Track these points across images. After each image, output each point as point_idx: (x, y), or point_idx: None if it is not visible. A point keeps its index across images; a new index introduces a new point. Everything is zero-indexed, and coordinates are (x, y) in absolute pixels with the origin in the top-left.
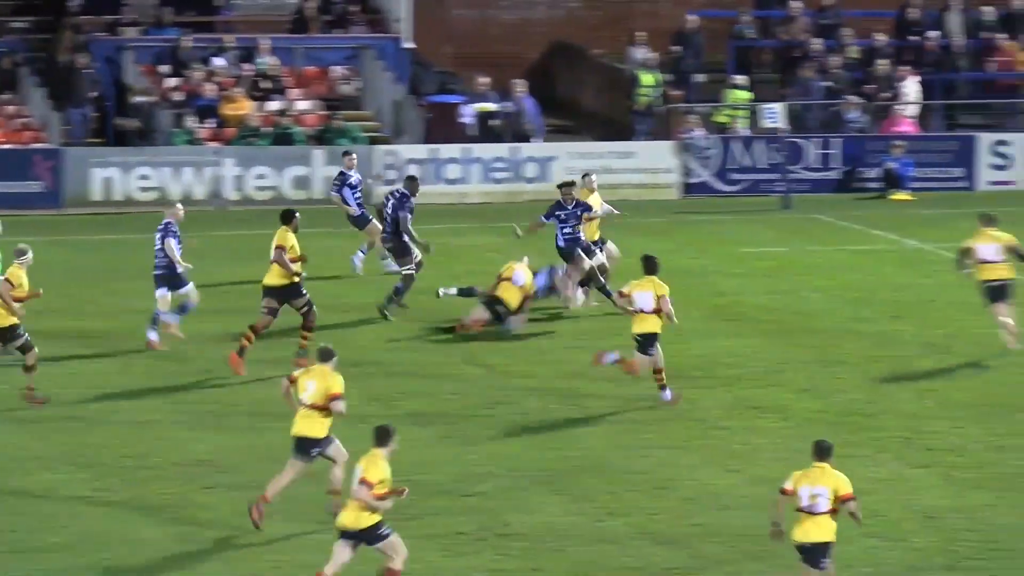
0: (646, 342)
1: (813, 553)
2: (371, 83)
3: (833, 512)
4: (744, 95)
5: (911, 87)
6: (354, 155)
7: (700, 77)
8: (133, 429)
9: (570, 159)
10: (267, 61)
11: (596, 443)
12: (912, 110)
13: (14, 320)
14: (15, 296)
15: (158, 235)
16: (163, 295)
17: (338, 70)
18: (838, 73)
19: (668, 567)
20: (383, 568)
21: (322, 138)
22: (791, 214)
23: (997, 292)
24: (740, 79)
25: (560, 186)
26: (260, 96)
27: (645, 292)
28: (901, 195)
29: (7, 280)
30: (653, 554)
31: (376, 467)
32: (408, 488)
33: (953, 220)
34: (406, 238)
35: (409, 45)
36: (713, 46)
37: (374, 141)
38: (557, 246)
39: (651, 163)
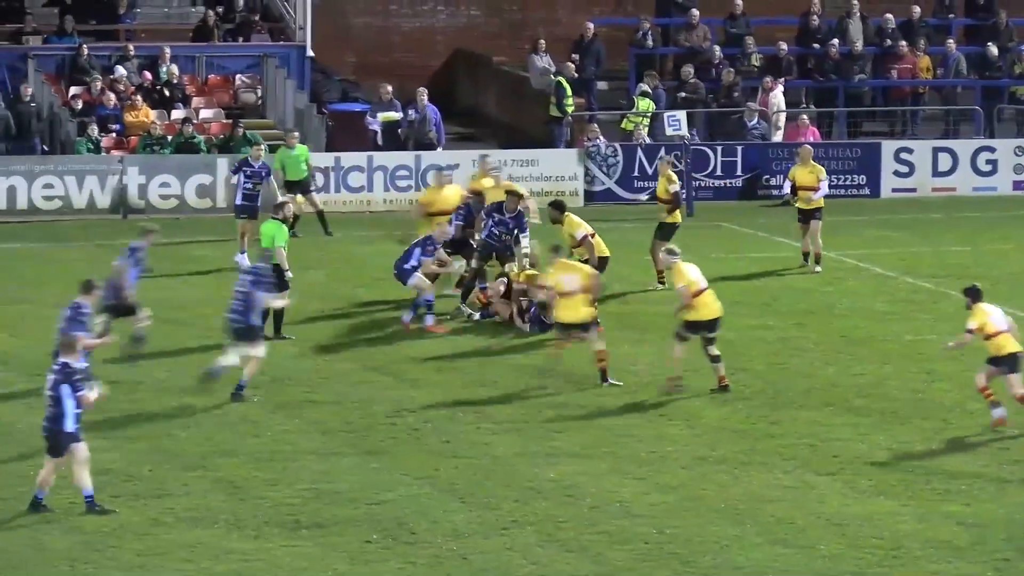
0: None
1: None
2: (273, 91)
3: None
4: (647, 103)
5: (778, 98)
6: (262, 147)
7: (602, 85)
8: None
9: (473, 167)
10: (170, 70)
11: (502, 451)
12: (782, 118)
13: None
14: None
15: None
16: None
17: (241, 78)
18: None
19: (574, 575)
20: None
21: (225, 146)
22: (694, 221)
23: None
24: (642, 87)
25: (508, 193)
26: (163, 104)
27: (572, 275)
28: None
29: None
30: (559, 562)
31: None
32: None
33: (857, 227)
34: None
35: (311, 53)
36: (614, 54)
37: (277, 149)
38: (481, 238)
39: (554, 171)
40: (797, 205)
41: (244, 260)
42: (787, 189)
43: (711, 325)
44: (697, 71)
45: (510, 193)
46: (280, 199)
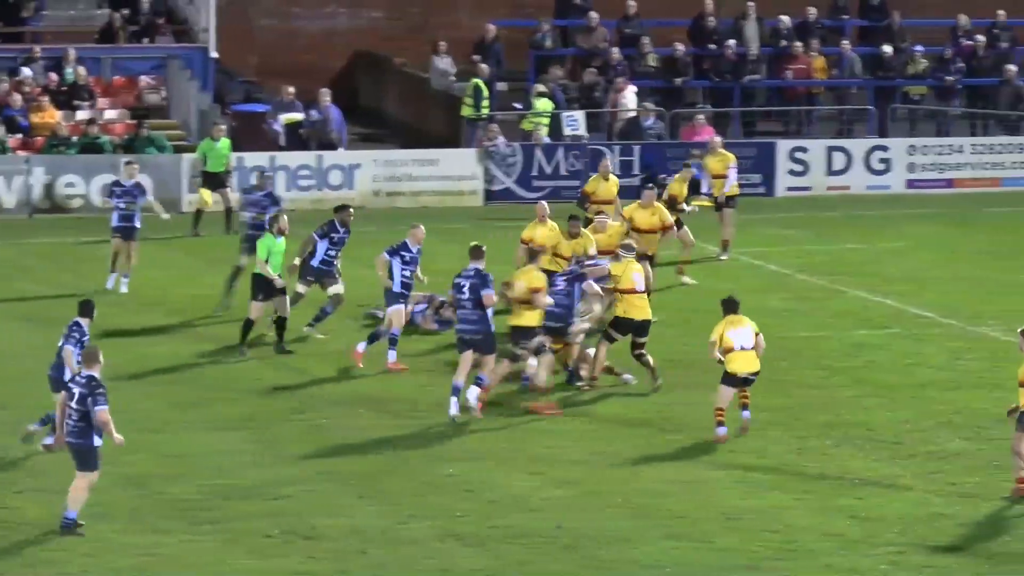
0: (520, 335)
1: None
2: (177, 92)
3: None
4: (546, 103)
5: (629, 98)
6: (136, 165)
7: (501, 85)
8: None
9: (375, 167)
10: (75, 71)
11: (401, 447)
12: (626, 116)
13: None
14: None
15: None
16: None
17: (145, 80)
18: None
19: (472, 569)
20: None
21: (130, 147)
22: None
23: None
24: (541, 87)
25: (337, 209)
26: (68, 105)
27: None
28: (700, 201)
29: None
30: (457, 556)
31: None
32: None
33: (752, 226)
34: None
35: (215, 55)
36: (513, 55)
37: (180, 150)
38: (313, 265)
39: (454, 171)
40: (706, 201)
41: (113, 283)
42: (706, 187)
43: (640, 327)
44: (595, 71)
45: (339, 209)
46: (274, 211)
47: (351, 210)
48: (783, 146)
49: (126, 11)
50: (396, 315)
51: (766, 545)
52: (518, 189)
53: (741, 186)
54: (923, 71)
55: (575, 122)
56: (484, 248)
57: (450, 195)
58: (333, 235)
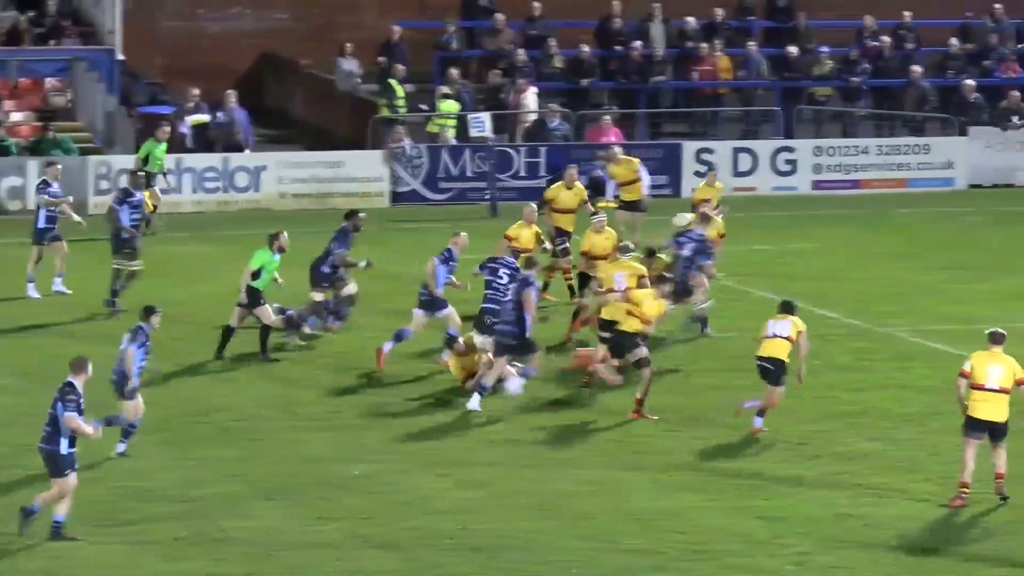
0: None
1: None
2: (83, 94)
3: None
4: (452, 105)
5: (530, 99)
6: (59, 165)
7: (408, 87)
8: None
9: (280, 168)
10: None
11: (311, 449)
12: (532, 118)
13: None
14: None
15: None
16: None
17: (51, 82)
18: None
19: (381, 571)
20: None
21: (36, 149)
22: (499, 222)
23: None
24: (447, 89)
25: (349, 214)
26: None
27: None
28: (606, 202)
29: None
30: (366, 558)
31: None
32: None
33: (658, 228)
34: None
35: (121, 57)
36: (419, 56)
37: (87, 152)
38: (324, 271)
39: (360, 172)
40: (622, 198)
41: (34, 290)
42: (611, 190)
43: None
44: (501, 73)
45: (350, 215)
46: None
47: (362, 214)
48: (689, 147)
49: (32, 13)
50: (450, 317)
51: (674, 546)
52: (424, 191)
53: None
54: (829, 72)
55: (481, 124)
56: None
57: (356, 197)
58: (345, 239)
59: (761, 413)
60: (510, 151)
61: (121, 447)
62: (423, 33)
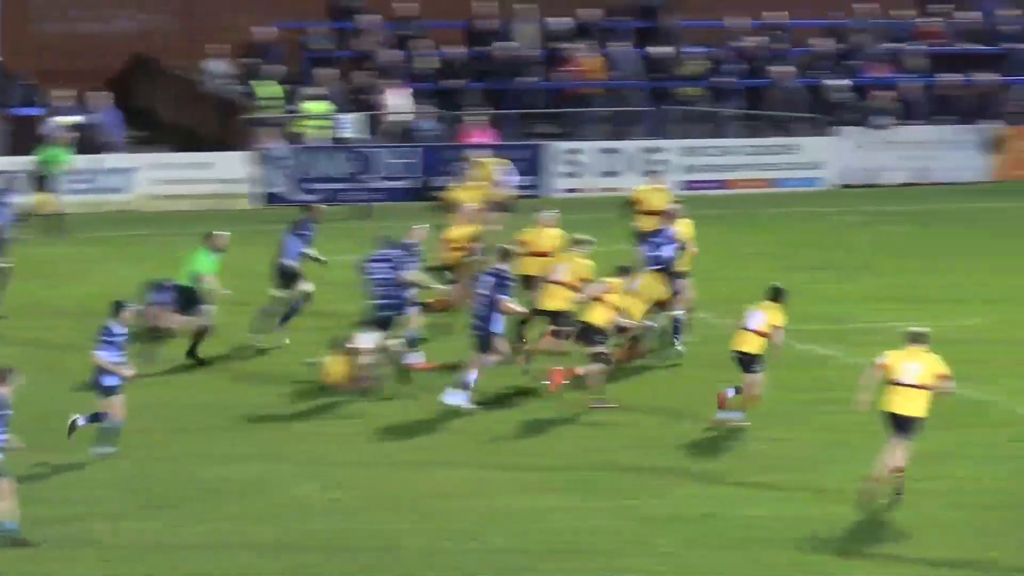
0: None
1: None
2: None
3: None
4: (320, 106)
5: (399, 100)
6: None
7: (275, 88)
8: None
9: (150, 170)
10: None
11: (181, 450)
12: (395, 119)
13: None
14: None
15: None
16: None
17: None
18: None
19: (255, 573)
20: None
21: None
22: (368, 223)
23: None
24: (314, 90)
25: (305, 207)
26: None
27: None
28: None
29: None
30: (240, 560)
31: None
32: None
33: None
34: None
35: None
36: (287, 57)
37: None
38: (284, 263)
39: (228, 173)
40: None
41: None
42: None
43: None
44: (369, 74)
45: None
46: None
47: (321, 208)
48: (557, 148)
49: None
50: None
51: (540, 545)
52: (293, 192)
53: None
54: (698, 72)
55: (348, 125)
56: (513, 249)
57: (225, 198)
58: (304, 233)
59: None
60: (379, 152)
61: (101, 448)
62: (291, 34)
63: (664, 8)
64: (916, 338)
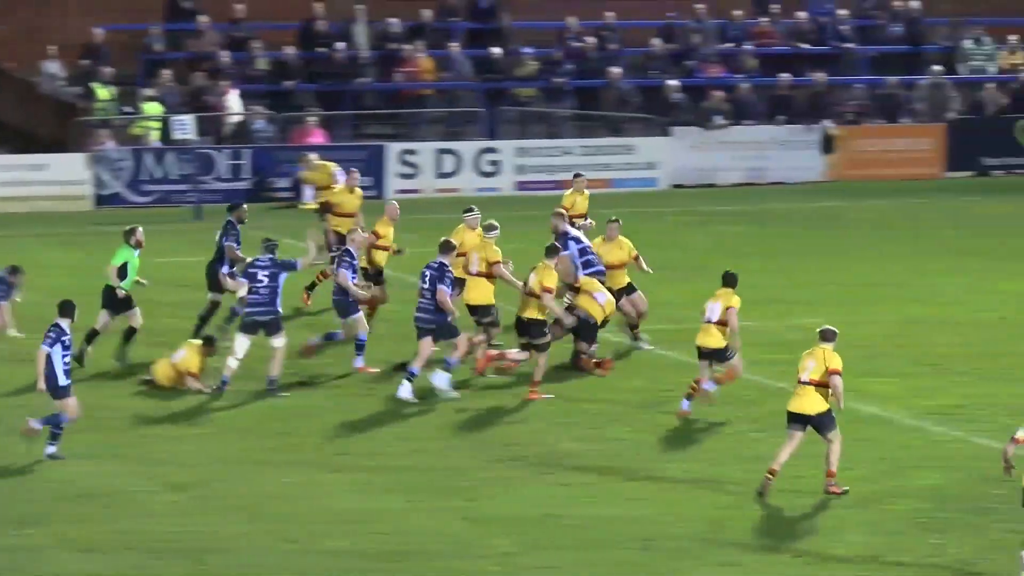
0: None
1: None
2: None
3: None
4: (156, 107)
5: (234, 101)
6: None
7: (111, 89)
8: None
9: None
10: None
11: (13, 451)
12: (236, 120)
13: None
14: None
15: None
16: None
17: None
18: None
19: (85, 574)
20: None
21: None
22: (203, 224)
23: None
24: (151, 91)
25: (231, 207)
26: None
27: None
28: (311, 204)
29: None
30: (73, 562)
31: None
32: None
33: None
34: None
35: None
36: (123, 59)
37: None
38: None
39: (64, 175)
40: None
41: None
42: (309, 195)
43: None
44: (205, 75)
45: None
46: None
47: (245, 206)
48: (393, 149)
49: None
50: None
51: (379, 547)
52: (128, 193)
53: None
54: (532, 73)
55: (184, 126)
56: (454, 243)
57: (61, 200)
58: (233, 232)
59: (698, 395)
60: (214, 153)
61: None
62: (128, 35)
63: (498, 9)
64: (823, 336)
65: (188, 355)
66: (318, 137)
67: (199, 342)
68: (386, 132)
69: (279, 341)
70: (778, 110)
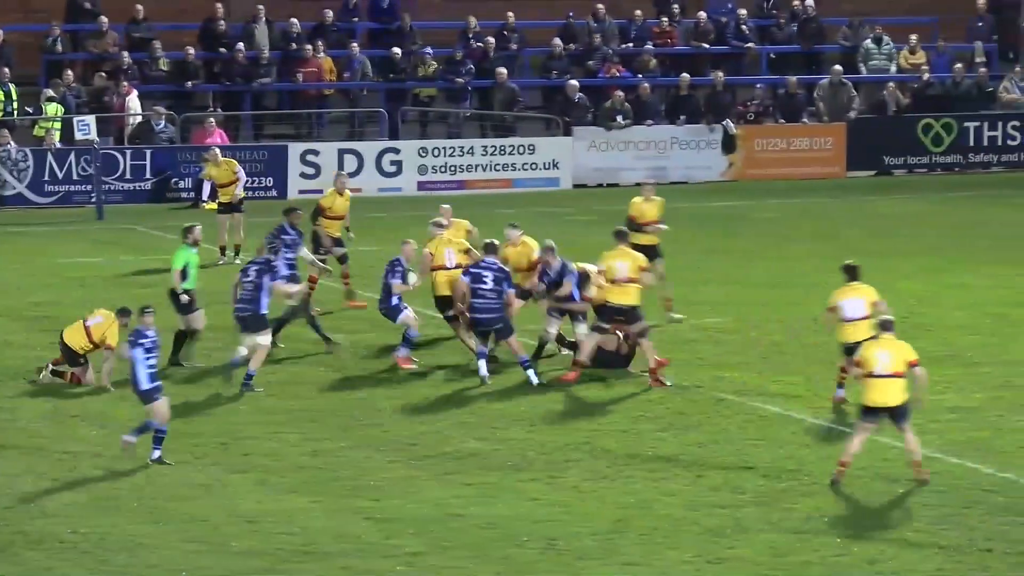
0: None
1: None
2: None
3: None
4: (57, 108)
5: (135, 102)
6: None
7: (12, 90)
8: None
9: None
10: None
11: None
12: (138, 120)
13: None
14: None
15: None
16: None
17: None
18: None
19: None
20: None
21: None
22: (105, 225)
23: None
24: (52, 92)
25: (286, 212)
26: None
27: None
28: (212, 205)
29: None
30: None
31: None
32: None
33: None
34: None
35: None
36: (24, 59)
37: None
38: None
39: None
40: (219, 200)
41: None
42: (207, 191)
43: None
44: (106, 76)
45: (288, 211)
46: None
47: (299, 212)
48: (295, 149)
49: None
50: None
51: (284, 547)
52: (30, 194)
53: (254, 189)
54: (433, 73)
55: (86, 127)
56: (497, 243)
57: None
58: (285, 238)
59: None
60: (115, 154)
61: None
62: (28, 36)
63: (399, 9)
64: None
65: (105, 323)
66: (220, 137)
67: (112, 312)
68: (288, 132)
69: (262, 339)
70: (679, 110)
